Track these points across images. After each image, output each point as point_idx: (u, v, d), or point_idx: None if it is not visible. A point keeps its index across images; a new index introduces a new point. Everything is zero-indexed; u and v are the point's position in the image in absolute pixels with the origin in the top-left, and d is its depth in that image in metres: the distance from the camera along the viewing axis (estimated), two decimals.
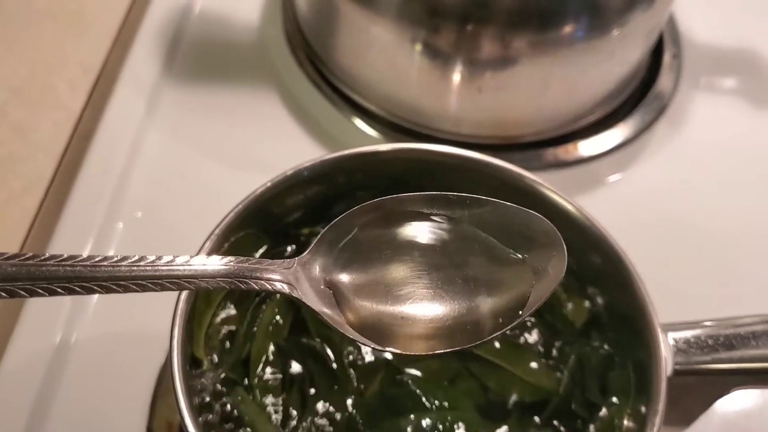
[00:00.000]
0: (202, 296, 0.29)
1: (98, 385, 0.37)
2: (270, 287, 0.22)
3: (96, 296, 0.39)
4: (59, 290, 0.20)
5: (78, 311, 0.38)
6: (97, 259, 0.21)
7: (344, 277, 0.22)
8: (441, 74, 0.41)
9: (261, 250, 0.32)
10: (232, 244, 0.30)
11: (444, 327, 0.22)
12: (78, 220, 0.41)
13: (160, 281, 0.22)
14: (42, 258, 0.20)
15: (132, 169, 0.44)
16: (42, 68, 0.48)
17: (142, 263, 0.22)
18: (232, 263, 0.22)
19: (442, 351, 0.22)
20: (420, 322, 0.22)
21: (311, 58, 0.48)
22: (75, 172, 0.43)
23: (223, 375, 0.28)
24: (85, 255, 0.38)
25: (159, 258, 0.22)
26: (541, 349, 0.31)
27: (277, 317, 0.30)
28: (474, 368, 0.29)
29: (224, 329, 0.30)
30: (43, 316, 0.38)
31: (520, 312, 0.22)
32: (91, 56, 0.49)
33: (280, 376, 0.29)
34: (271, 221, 0.32)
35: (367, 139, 0.45)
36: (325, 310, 0.22)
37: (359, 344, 0.23)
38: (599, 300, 0.32)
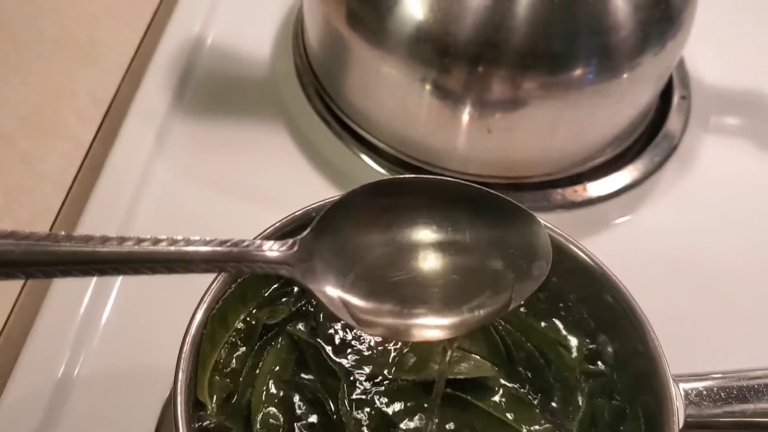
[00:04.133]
0: (207, 337, 0.28)
1: (100, 421, 0.36)
2: (268, 269, 0.21)
3: (100, 331, 0.39)
4: (55, 272, 0.20)
5: (81, 344, 0.38)
6: (82, 239, 0.20)
7: (344, 266, 0.21)
8: (450, 114, 0.41)
9: (268, 292, 0.32)
10: (239, 284, 0.30)
11: (445, 315, 0.22)
12: None
13: (151, 264, 0.22)
14: (32, 236, 0.19)
15: (140, 202, 0.44)
16: (52, 98, 0.48)
17: (130, 243, 0.21)
18: (224, 245, 0.21)
19: (442, 337, 0.22)
20: (421, 309, 0.22)
21: (321, 94, 0.48)
22: (83, 204, 0.43)
23: (224, 423, 0.28)
24: (90, 289, 0.39)
25: (149, 240, 0.22)
26: (549, 404, 0.30)
27: (282, 360, 0.30)
28: (477, 425, 0.28)
29: (227, 373, 0.29)
30: (47, 348, 0.38)
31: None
32: (102, 87, 0.49)
33: (280, 423, 0.28)
34: None
35: (375, 175, 0.45)
36: (326, 292, 0.21)
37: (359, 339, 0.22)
38: (609, 348, 0.31)
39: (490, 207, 0.22)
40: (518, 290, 0.22)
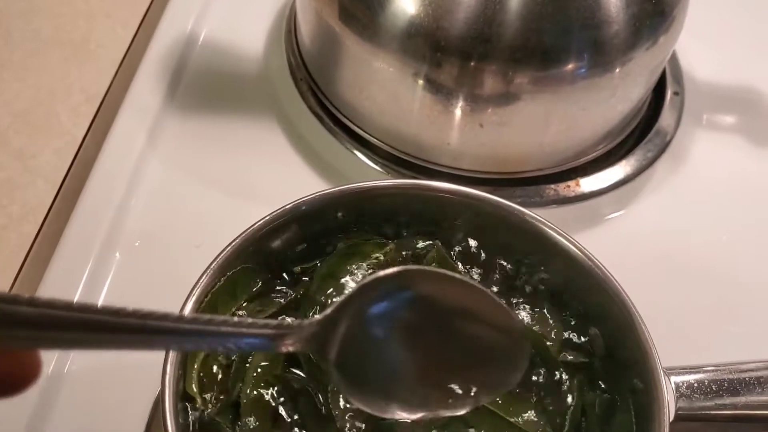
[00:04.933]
0: None
1: (90, 417, 0.36)
2: (299, 348, 0.22)
3: None
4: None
5: None
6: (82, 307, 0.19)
7: (351, 341, 0.23)
8: (443, 109, 0.41)
9: (257, 287, 0.32)
10: (228, 278, 0.30)
11: (437, 397, 0.24)
12: (75, 248, 0.41)
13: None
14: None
15: (132, 197, 0.44)
16: (46, 95, 0.48)
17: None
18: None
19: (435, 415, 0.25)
20: (417, 392, 0.24)
21: (313, 89, 0.48)
22: (74, 200, 0.43)
23: (213, 418, 0.28)
24: (81, 285, 0.39)
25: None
26: (541, 393, 0.30)
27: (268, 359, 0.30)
28: (468, 416, 0.28)
29: (216, 367, 0.29)
30: None
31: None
32: (95, 84, 0.49)
33: (269, 417, 0.28)
34: (268, 256, 0.32)
35: (368, 171, 0.45)
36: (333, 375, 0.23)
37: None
38: (600, 341, 0.31)
39: (490, 311, 0.25)
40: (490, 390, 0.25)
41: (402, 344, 0.24)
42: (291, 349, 0.22)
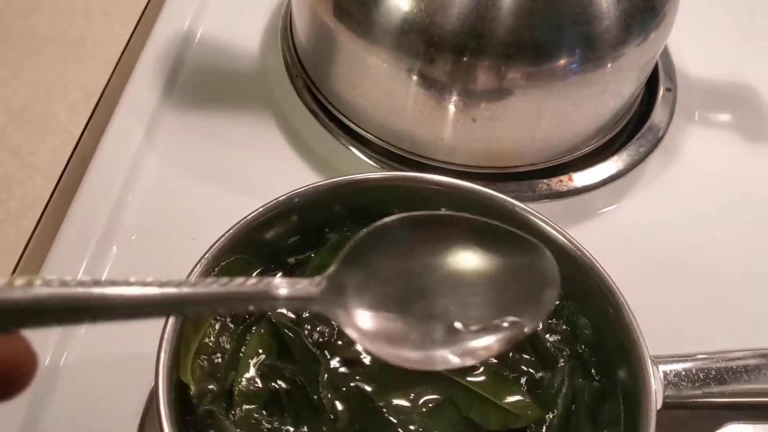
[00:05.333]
0: (189, 323, 0.29)
1: (87, 408, 0.36)
2: (299, 305, 0.22)
3: None
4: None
5: (68, 333, 0.38)
6: (101, 282, 0.19)
7: (365, 294, 0.22)
8: (436, 104, 0.42)
9: (253, 274, 0.32)
10: (222, 268, 0.30)
11: (452, 346, 0.23)
12: (73, 243, 0.41)
13: (180, 306, 0.20)
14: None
15: (129, 192, 0.44)
16: (43, 92, 0.48)
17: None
18: (257, 283, 0.21)
19: (449, 367, 0.23)
20: (432, 339, 0.23)
21: (309, 86, 0.48)
22: (72, 195, 0.43)
23: (206, 406, 0.28)
24: (79, 277, 0.39)
25: (156, 282, 0.20)
26: (532, 373, 0.30)
27: (264, 344, 0.30)
28: (457, 399, 0.29)
29: (210, 354, 0.30)
30: (34, 337, 0.38)
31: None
32: (92, 81, 0.49)
33: (263, 405, 0.29)
34: (262, 247, 0.32)
35: (363, 166, 0.46)
36: (357, 325, 0.22)
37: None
38: (588, 331, 0.32)
39: (504, 239, 0.24)
40: (530, 316, 0.23)
41: (414, 287, 0.23)
42: (312, 307, 0.22)
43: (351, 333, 0.22)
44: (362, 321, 0.22)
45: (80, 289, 0.19)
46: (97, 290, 0.19)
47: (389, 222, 0.23)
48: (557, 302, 0.25)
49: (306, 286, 0.21)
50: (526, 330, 0.22)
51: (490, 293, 0.23)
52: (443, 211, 0.26)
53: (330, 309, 0.22)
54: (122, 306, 0.19)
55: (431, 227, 0.24)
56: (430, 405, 0.29)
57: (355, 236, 0.23)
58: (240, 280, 0.21)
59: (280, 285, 0.21)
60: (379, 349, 0.22)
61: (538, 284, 0.23)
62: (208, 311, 0.21)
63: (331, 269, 0.22)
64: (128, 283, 0.19)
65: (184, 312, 0.21)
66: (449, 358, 0.22)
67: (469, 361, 0.23)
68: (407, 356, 0.22)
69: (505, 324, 0.23)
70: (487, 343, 0.22)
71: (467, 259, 0.23)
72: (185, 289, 0.20)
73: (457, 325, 0.22)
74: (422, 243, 0.23)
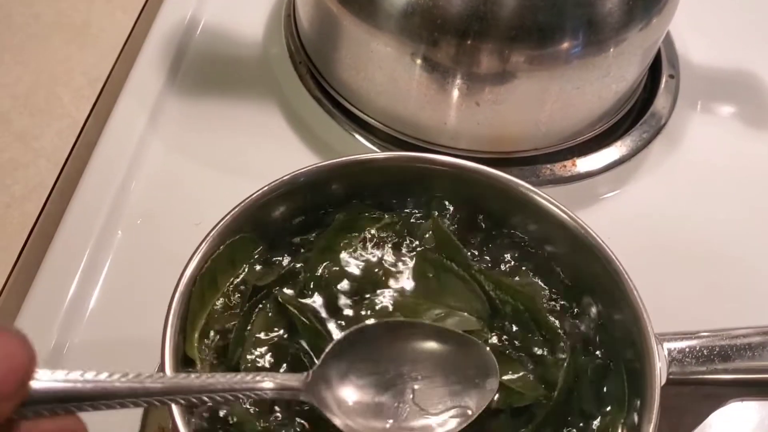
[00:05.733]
0: (196, 295, 0.29)
1: None
2: (288, 395, 0.26)
3: (92, 302, 0.39)
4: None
5: (73, 317, 0.38)
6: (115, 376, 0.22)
7: (348, 384, 0.27)
8: (440, 88, 0.42)
9: (256, 256, 0.32)
10: (227, 246, 0.30)
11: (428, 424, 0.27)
12: (78, 227, 0.42)
13: (171, 396, 0.23)
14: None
15: (133, 178, 0.44)
16: (48, 78, 0.48)
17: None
18: (242, 378, 0.24)
19: None
20: (410, 422, 0.27)
21: (312, 72, 0.48)
22: (77, 180, 0.44)
23: None
24: (83, 262, 0.40)
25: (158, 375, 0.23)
26: (536, 351, 0.31)
27: (270, 321, 0.30)
28: None
29: (216, 330, 0.30)
30: (39, 321, 0.38)
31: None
32: (97, 68, 0.49)
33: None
34: (267, 226, 0.32)
35: (366, 151, 0.46)
36: (336, 417, 0.26)
37: None
38: (594, 309, 0.32)
39: (455, 340, 0.29)
40: (478, 400, 0.28)
41: (385, 377, 0.27)
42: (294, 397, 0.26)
43: (334, 419, 0.26)
44: (343, 406, 0.26)
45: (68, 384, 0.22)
46: (79, 385, 0.22)
47: (364, 327, 0.28)
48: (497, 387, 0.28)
49: (292, 380, 0.25)
50: (470, 413, 0.27)
51: (445, 382, 0.28)
52: (405, 319, 0.30)
53: (314, 398, 0.26)
54: (108, 397, 0.22)
55: (398, 331, 0.28)
56: None
57: (336, 338, 0.28)
58: (230, 375, 0.24)
59: (268, 380, 0.25)
60: (360, 427, 0.26)
61: (482, 375, 0.28)
62: (198, 403, 0.24)
63: (316, 366, 0.26)
64: (115, 379, 0.22)
65: (178, 402, 0.24)
66: None
67: None
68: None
69: (457, 408, 0.27)
70: (443, 421, 0.27)
71: (426, 356, 0.28)
72: (176, 382, 0.23)
73: (420, 406, 0.27)
74: (390, 343, 0.28)
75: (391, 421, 0.26)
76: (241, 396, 0.24)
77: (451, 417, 0.27)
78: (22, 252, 0.41)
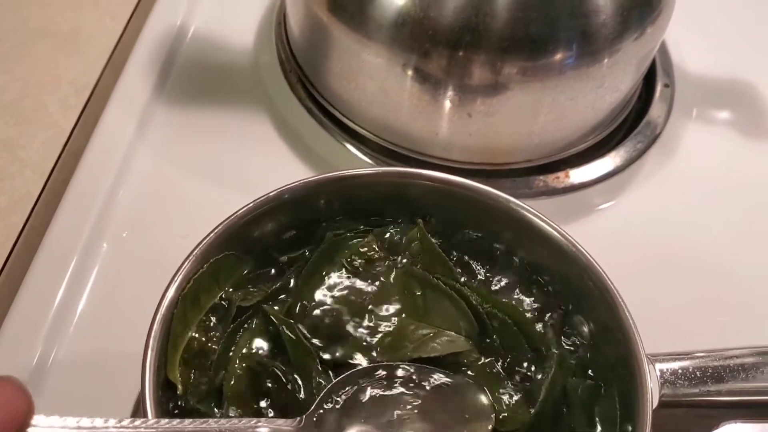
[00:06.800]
0: (178, 317, 0.28)
1: (75, 408, 0.35)
2: None
3: (76, 319, 0.39)
4: None
5: (57, 332, 0.38)
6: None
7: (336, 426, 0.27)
8: (431, 99, 0.41)
9: (244, 272, 0.32)
10: (210, 265, 0.30)
11: None
12: (63, 239, 0.41)
13: None
14: None
15: (119, 188, 0.43)
16: (34, 86, 0.48)
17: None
18: (235, 423, 0.25)
19: None
20: None
21: (303, 81, 0.48)
22: (62, 191, 0.43)
23: (195, 405, 0.28)
24: (67, 275, 0.39)
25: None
26: (522, 372, 0.30)
27: (255, 343, 0.30)
28: None
29: (199, 352, 0.29)
30: (23, 334, 0.37)
31: None
32: (84, 76, 0.49)
33: (251, 406, 0.28)
34: (253, 243, 0.32)
35: (358, 162, 0.45)
36: None
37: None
38: (585, 328, 0.31)
39: (445, 380, 0.29)
40: None
41: (377, 419, 0.27)
42: None
43: None
44: None
45: None
46: None
47: (357, 371, 0.28)
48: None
49: (285, 425, 0.26)
50: None
51: (439, 425, 0.27)
52: (399, 363, 0.30)
53: None
54: None
55: (390, 373, 0.28)
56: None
57: (330, 384, 0.28)
58: (224, 420, 0.25)
59: (262, 425, 0.25)
60: None
61: (476, 417, 0.28)
62: None
63: (310, 410, 0.27)
64: (110, 425, 0.23)
65: None
66: None
67: None
68: None
69: None
70: None
71: (420, 398, 0.28)
72: (169, 427, 0.23)
73: None
74: (384, 386, 0.28)
75: None
76: None
77: None
78: (6, 264, 0.40)
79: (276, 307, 0.31)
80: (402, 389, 0.28)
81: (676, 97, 0.50)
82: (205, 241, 0.29)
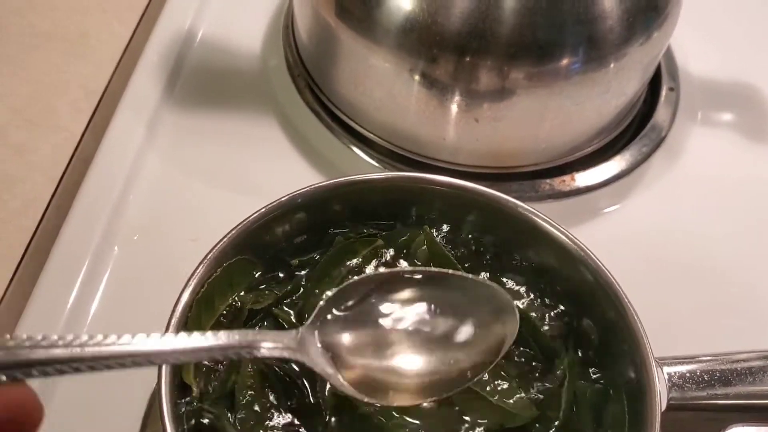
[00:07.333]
0: (193, 321, 0.29)
1: (88, 410, 0.36)
2: (273, 354, 0.25)
3: (88, 321, 0.39)
4: (35, 373, 0.21)
5: (71, 332, 0.38)
6: (83, 340, 0.22)
7: (341, 341, 0.26)
8: (438, 104, 0.42)
9: (256, 275, 0.32)
10: (224, 269, 0.30)
11: (428, 381, 0.26)
12: (74, 243, 0.41)
13: (161, 356, 0.23)
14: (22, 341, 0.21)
15: (130, 192, 0.44)
16: (44, 90, 0.48)
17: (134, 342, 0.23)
18: (232, 336, 0.24)
19: (427, 400, 0.26)
20: (408, 376, 0.26)
21: (311, 86, 0.48)
22: (73, 194, 0.43)
23: (208, 408, 0.28)
24: (79, 278, 0.39)
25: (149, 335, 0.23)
26: (533, 371, 0.31)
27: None
28: (456, 399, 0.29)
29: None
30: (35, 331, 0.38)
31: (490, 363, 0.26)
32: (94, 80, 0.49)
33: (262, 408, 0.29)
34: (264, 247, 0.32)
35: (365, 166, 0.46)
36: (327, 370, 0.25)
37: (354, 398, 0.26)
38: (593, 333, 0.32)
39: (456, 285, 0.28)
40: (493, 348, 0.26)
41: (389, 335, 0.26)
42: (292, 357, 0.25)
43: (333, 380, 0.25)
44: (339, 360, 0.25)
45: (76, 350, 0.22)
46: (94, 348, 0.22)
47: (357, 280, 0.27)
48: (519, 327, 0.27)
49: (286, 338, 0.25)
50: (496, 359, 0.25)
51: (450, 330, 0.26)
52: (401, 269, 0.29)
53: (306, 356, 0.25)
54: (116, 358, 0.22)
55: (395, 280, 0.27)
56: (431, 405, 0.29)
57: (327, 295, 0.27)
58: (226, 334, 0.24)
59: (263, 339, 0.24)
60: (360, 391, 0.25)
61: (501, 311, 0.26)
62: (196, 360, 0.25)
63: (308, 322, 0.25)
64: (120, 341, 0.22)
65: (170, 363, 0.24)
66: (417, 395, 0.26)
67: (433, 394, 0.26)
68: (377, 393, 0.25)
69: (461, 358, 0.26)
70: (447, 370, 0.25)
71: (435, 298, 0.26)
72: (178, 345, 0.23)
73: (424, 359, 0.26)
74: (391, 293, 0.26)
75: (394, 377, 0.25)
76: (234, 355, 0.24)
77: (457, 369, 0.26)
78: (18, 268, 0.41)
79: (287, 308, 0.32)
80: (414, 292, 0.26)
81: (681, 101, 0.51)
82: (218, 246, 0.30)
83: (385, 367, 0.26)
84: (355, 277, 0.28)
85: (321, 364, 0.25)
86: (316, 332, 0.25)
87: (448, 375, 0.26)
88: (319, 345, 0.25)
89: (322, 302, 0.26)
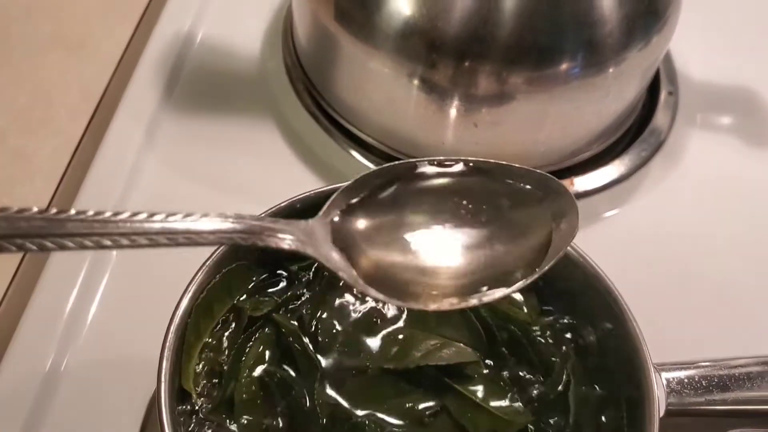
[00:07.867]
0: (192, 327, 0.29)
1: (87, 414, 0.36)
2: (281, 245, 0.22)
3: (87, 325, 0.39)
4: (70, 244, 0.20)
5: (69, 339, 0.38)
6: (107, 215, 0.21)
7: (359, 234, 0.22)
8: (437, 109, 0.42)
9: (255, 281, 0.32)
10: (224, 275, 0.30)
11: (461, 283, 0.22)
12: None
13: (172, 236, 0.22)
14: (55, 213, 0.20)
15: (129, 196, 0.44)
16: (43, 94, 0.48)
17: (153, 218, 0.22)
18: (241, 221, 0.22)
19: (460, 306, 0.22)
20: (438, 276, 0.22)
21: (310, 89, 0.48)
22: (72, 198, 0.43)
23: (207, 414, 0.28)
24: (78, 283, 0.39)
25: (169, 214, 0.22)
26: (530, 378, 0.31)
27: (266, 352, 0.30)
28: (451, 406, 0.29)
29: (212, 361, 0.30)
30: (35, 341, 0.38)
31: (537, 269, 0.22)
32: (93, 83, 0.49)
33: (261, 414, 0.29)
34: (263, 253, 0.32)
35: (364, 170, 0.45)
36: (337, 265, 0.22)
37: (377, 301, 0.23)
38: (592, 338, 0.32)
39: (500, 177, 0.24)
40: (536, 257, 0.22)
41: (416, 230, 0.22)
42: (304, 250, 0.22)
43: (349, 279, 0.22)
44: (360, 266, 0.21)
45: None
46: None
47: (381, 168, 0.23)
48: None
49: (297, 229, 0.22)
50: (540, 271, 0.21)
51: (495, 227, 0.22)
52: (435, 158, 0.24)
53: (319, 252, 0.22)
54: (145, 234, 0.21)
55: (428, 174, 0.23)
56: (427, 414, 0.29)
57: (346, 183, 0.23)
58: (252, 219, 0.22)
59: (276, 226, 0.22)
60: (376, 290, 0.22)
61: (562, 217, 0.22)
62: (217, 242, 0.22)
63: (320, 213, 0.22)
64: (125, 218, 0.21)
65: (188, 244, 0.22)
66: (440, 297, 0.22)
67: (456, 302, 0.22)
68: (402, 297, 0.22)
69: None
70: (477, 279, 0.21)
71: (465, 198, 0.22)
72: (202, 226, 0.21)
73: (451, 258, 0.21)
74: (418, 184, 0.22)
75: (417, 269, 0.21)
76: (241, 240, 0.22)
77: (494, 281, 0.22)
78: (17, 271, 0.41)
79: (288, 314, 0.32)
80: (447, 184, 0.22)
81: (680, 105, 0.51)
82: (217, 252, 0.30)
83: (414, 267, 0.22)
84: (375, 168, 0.24)
85: (333, 260, 0.22)
86: (329, 225, 0.22)
87: (490, 277, 0.22)
88: (330, 240, 0.22)
89: (335, 194, 0.22)
